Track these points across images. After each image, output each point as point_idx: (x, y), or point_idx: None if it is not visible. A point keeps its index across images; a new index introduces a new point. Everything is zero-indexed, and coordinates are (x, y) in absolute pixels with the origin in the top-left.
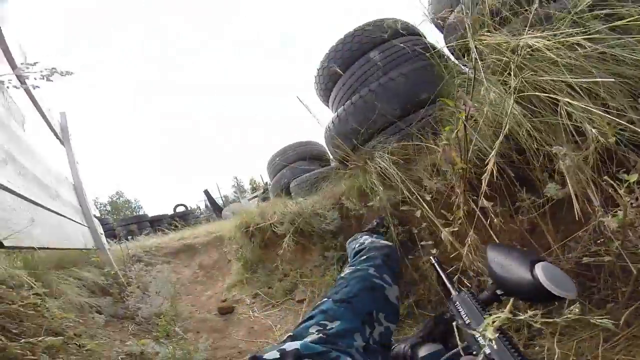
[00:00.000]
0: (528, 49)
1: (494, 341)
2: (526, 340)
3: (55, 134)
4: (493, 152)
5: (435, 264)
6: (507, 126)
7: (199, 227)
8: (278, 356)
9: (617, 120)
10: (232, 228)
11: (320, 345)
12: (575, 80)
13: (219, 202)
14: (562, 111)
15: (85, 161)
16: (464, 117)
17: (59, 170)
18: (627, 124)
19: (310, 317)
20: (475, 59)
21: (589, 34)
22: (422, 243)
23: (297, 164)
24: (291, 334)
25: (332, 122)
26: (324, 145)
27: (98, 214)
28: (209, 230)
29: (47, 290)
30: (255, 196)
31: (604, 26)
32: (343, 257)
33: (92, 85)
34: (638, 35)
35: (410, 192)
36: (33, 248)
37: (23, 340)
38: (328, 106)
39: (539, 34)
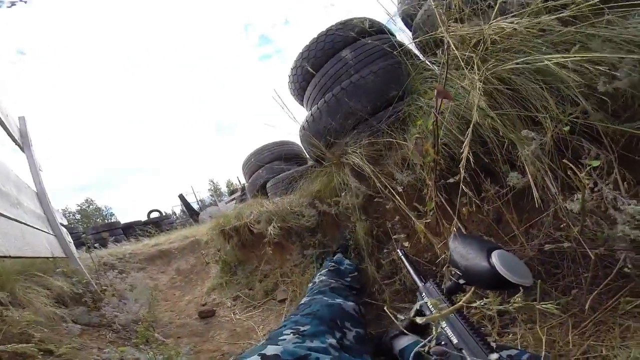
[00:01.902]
0: (492, 37)
1: (450, 326)
2: (499, 328)
3: (14, 140)
4: (467, 138)
5: (403, 257)
6: (475, 118)
7: (174, 233)
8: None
9: (570, 110)
10: (209, 231)
11: (301, 349)
12: (531, 62)
13: (195, 206)
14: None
15: (49, 168)
16: (436, 109)
17: (20, 178)
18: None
19: (283, 326)
20: (448, 46)
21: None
22: (395, 236)
23: (273, 164)
24: (268, 337)
25: (307, 120)
26: (300, 144)
27: (66, 222)
28: (185, 235)
29: (11, 299)
30: (233, 198)
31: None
32: (322, 255)
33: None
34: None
35: (383, 186)
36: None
37: None
38: (303, 105)
39: (504, 20)
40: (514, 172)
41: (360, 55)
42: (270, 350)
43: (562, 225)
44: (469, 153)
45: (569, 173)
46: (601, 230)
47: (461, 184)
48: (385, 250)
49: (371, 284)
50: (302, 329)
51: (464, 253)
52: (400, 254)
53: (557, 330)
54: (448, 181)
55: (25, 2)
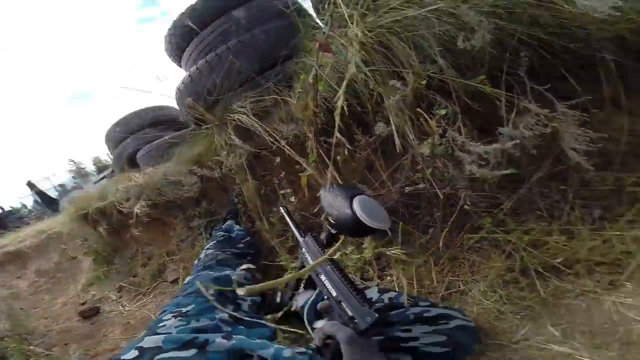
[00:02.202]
0: None
1: (328, 279)
2: (379, 272)
3: None
4: (341, 90)
5: (285, 214)
6: (351, 71)
7: (25, 229)
8: (137, 354)
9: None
10: (68, 220)
11: (185, 334)
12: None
13: (53, 193)
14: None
15: None
16: (316, 62)
17: None
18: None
19: (163, 312)
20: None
21: None
22: (282, 192)
23: (144, 131)
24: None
25: (183, 82)
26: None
27: None
28: (40, 230)
29: None
30: (103, 177)
31: None
32: (211, 224)
33: None
34: None
35: (269, 139)
36: None
37: None
38: (180, 66)
39: None
40: (381, 122)
41: (255, 15)
42: (149, 342)
43: (419, 168)
44: (343, 103)
45: (422, 121)
46: (447, 171)
47: (336, 132)
48: (274, 209)
49: (266, 245)
50: (184, 310)
51: (332, 202)
52: (283, 211)
53: (423, 270)
54: (328, 139)
55: None
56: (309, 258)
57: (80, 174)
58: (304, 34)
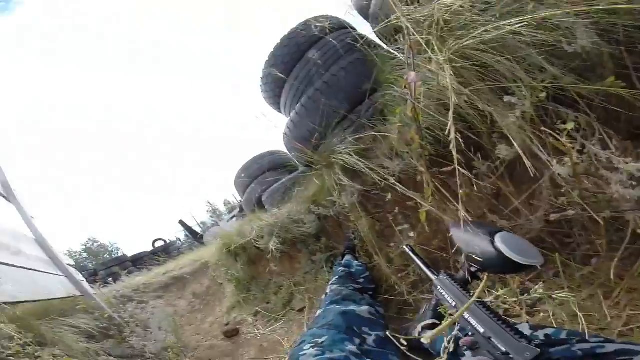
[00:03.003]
0: (444, 16)
1: (473, 316)
2: (528, 308)
3: None
4: (450, 122)
5: (410, 253)
6: (453, 99)
7: (182, 258)
8: None
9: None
10: (216, 252)
11: None
12: (495, 37)
13: (198, 229)
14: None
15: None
16: (412, 96)
17: (15, 228)
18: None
19: (302, 342)
20: (408, 31)
21: None
22: (398, 228)
23: (263, 176)
24: (290, 356)
25: (288, 127)
26: (286, 152)
27: (73, 262)
28: (193, 259)
29: (40, 340)
30: (234, 216)
31: None
32: (331, 259)
33: None
34: None
35: (377, 178)
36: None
37: None
38: (280, 111)
39: None
40: (502, 144)
41: (327, 54)
42: None
43: (562, 191)
44: (456, 134)
45: (552, 138)
46: (602, 191)
47: (456, 166)
48: (392, 244)
49: (385, 279)
50: (320, 341)
51: (470, 241)
52: (407, 250)
53: (589, 304)
54: (442, 170)
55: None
56: (447, 297)
57: (215, 213)
58: (381, 65)
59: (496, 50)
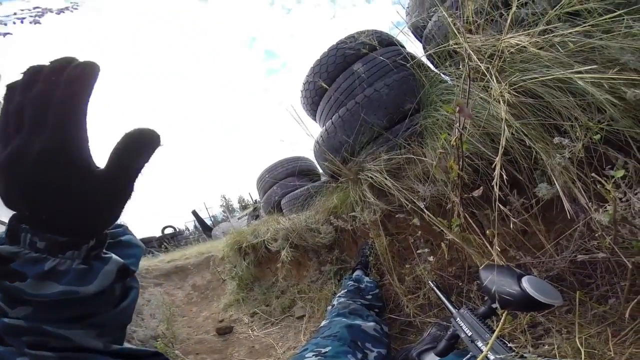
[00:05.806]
0: (509, 49)
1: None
2: (533, 340)
3: None
4: (498, 158)
5: (435, 288)
6: (505, 133)
7: (189, 248)
8: None
9: (599, 117)
10: (224, 248)
11: None
12: (557, 75)
13: (208, 222)
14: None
15: None
16: (459, 126)
17: None
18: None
19: (304, 350)
20: (469, 57)
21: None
22: (418, 251)
23: (286, 180)
24: None
25: (321, 136)
26: (313, 160)
27: None
28: (199, 251)
29: None
30: (245, 214)
31: (575, 28)
32: (340, 271)
33: None
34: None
35: (406, 201)
36: None
37: None
38: (315, 120)
39: (520, 34)
40: (542, 182)
41: (373, 69)
42: None
43: (596, 235)
44: (501, 171)
45: (597, 184)
46: (636, 239)
47: (496, 204)
48: (407, 265)
49: (393, 299)
50: (323, 350)
51: (495, 280)
52: (432, 285)
53: (595, 340)
54: (473, 194)
55: (77, 8)
56: (466, 329)
57: (228, 209)
58: (429, 87)
59: (555, 85)
